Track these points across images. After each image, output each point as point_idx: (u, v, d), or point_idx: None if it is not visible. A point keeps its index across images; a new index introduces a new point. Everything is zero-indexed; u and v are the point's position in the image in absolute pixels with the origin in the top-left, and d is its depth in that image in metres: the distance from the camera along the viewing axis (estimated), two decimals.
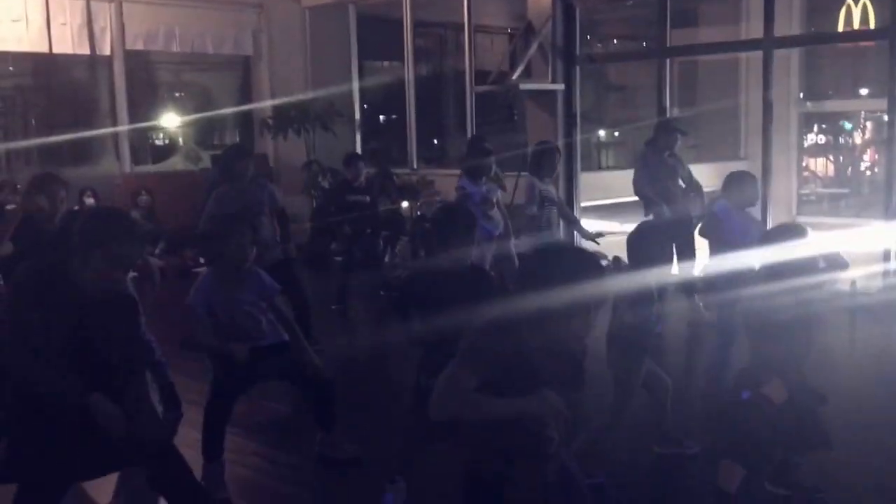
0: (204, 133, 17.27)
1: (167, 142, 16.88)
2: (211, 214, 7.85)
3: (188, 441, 5.11)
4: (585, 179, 12.98)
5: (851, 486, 5.17)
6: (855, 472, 5.33)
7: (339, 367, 7.33)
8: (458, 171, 12.64)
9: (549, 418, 3.45)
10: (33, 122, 15.31)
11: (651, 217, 9.19)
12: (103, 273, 3.88)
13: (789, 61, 14.73)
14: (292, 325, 5.74)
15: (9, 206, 12.83)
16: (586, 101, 13.21)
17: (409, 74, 15.25)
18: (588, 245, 9.20)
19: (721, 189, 7.16)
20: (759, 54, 11.50)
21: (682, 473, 5.54)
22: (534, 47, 12.52)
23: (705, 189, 9.92)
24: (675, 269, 8.60)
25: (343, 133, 15.50)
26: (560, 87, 12.60)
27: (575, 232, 10.29)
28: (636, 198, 9.85)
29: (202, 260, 11.80)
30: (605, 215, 13.74)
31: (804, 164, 16.44)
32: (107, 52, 15.06)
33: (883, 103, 10.70)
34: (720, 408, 4.94)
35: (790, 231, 4.99)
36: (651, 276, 5.27)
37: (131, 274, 5.35)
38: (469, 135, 13.74)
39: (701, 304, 9.06)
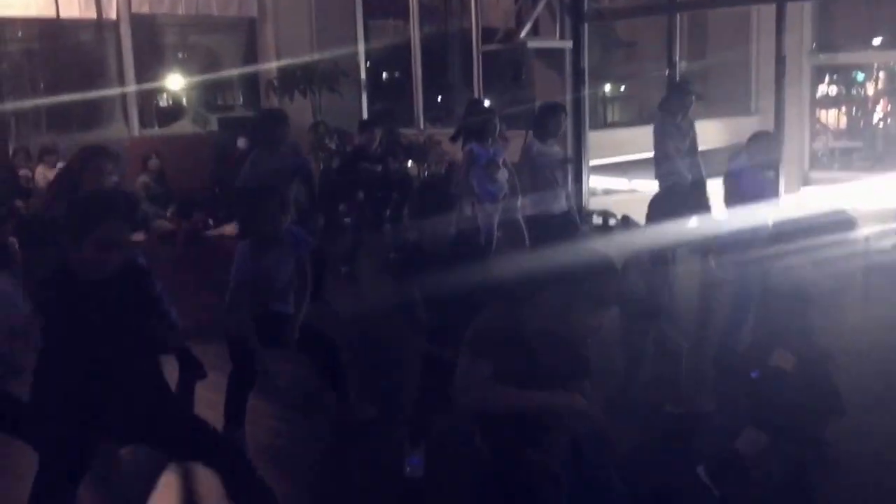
0: (210, 95, 17.20)
1: (171, 103, 16.80)
2: (246, 179, 7.90)
3: (210, 403, 5.14)
4: (592, 138, 12.86)
5: (867, 454, 5.08)
6: (870, 436, 5.26)
7: (351, 328, 7.34)
8: None
9: (571, 418, 3.43)
10: (42, 86, 15.25)
11: (671, 182, 9.01)
12: (100, 258, 3.85)
13: (802, 11, 14.53)
14: (306, 288, 5.72)
15: (22, 172, 12.86)
16: (593, 56, 13.06)
17: (415, 33, 15.14)
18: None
19: (744, 147, 7.08)
20: (770, 6, 11.34)
21: (695, 434, 5.51)
22: (541, 4, 12.41)
23: (716, 146, 9.85)
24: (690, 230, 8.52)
25: (349, 94, 15.42)
26: (568, 44, 12.49)
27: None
28: (644, 156, 9.76)
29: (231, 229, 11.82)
30: (613, 173, 13.69)
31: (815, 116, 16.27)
32: (113, 15, 15.04)
33: None
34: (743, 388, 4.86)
35: (839, 222, 4.74)
36: (668, 237, 5.23)
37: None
38: (476, 94, 13.67)
39: (715, 264, 8.99)
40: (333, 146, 14.08)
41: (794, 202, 12.43)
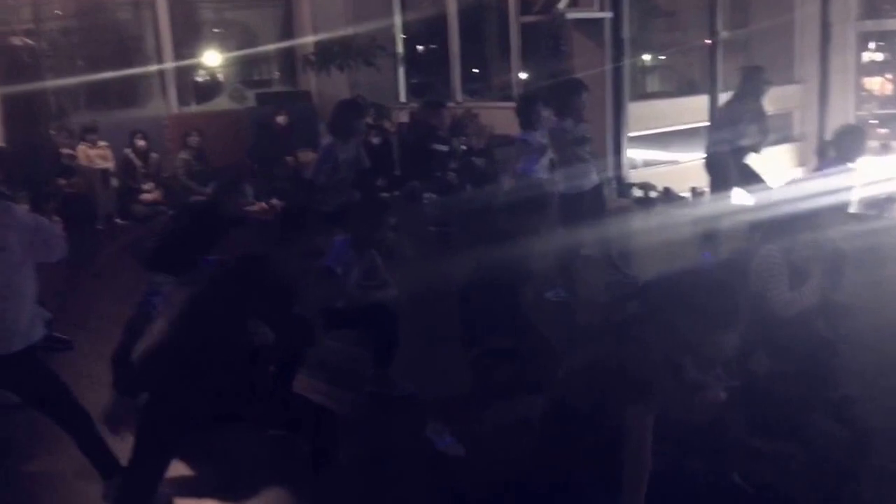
0: (247, 71, 17.20)
1: (208, 79, 16.81)
2: (319, 173, 7.95)
3: None
4: (631, 109, 12.71)
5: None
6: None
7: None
8: (502, 104, 12.59)
9: None
10: (81, 64, 15.31)
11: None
12: None
13: None
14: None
15: (64, 151, 12.94)
16: (633, 26, 12.90)
17: (452, 5, 15.04)
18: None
19: (833, 141, 6.98)
20: None
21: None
22: None
23: None
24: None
25: (386, 68, 15.37)
26: (608, 14, 12.33)
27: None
28: (685, 126, 9.64)
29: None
30: (654, 145, 13.55)
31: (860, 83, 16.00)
32: None
33: None
34: None
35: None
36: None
37: None
38: (513, 67, 13.57)
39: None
40: (371, 121, 14.04)
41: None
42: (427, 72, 16.88)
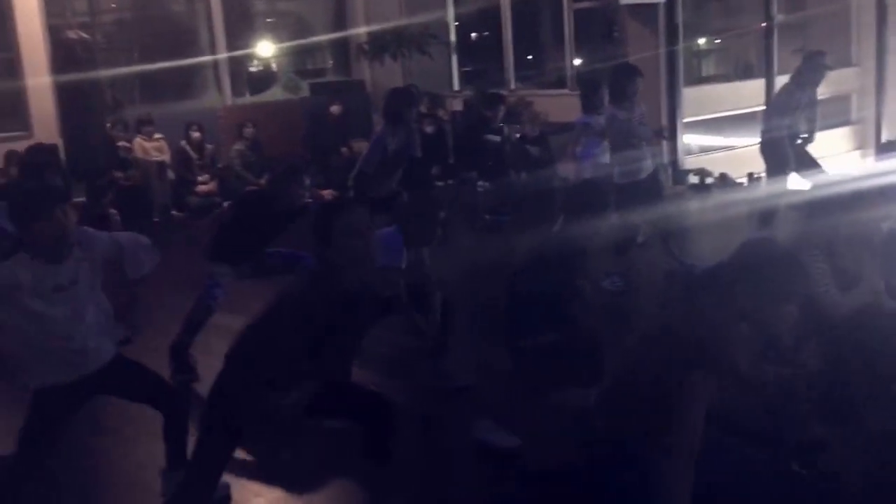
0: (300, 61, 17.27)
1: (262, 70, 16.90)
2: (370, 163, 8.07)
3: None
4: (686, 94, 12.58)
5: None
6: None
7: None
8: (556, 91, 12.54)
9: None
10: (136, 57, 15.47)
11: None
12: None
13: None
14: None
15: (120, 144, 13.09)
16: (687, 10, 12.75)
17: None
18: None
19: None
20: None
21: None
22: None
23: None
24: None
25: (439, 56, 15.36)
26: None
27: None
28: (741, 111, 9.53)
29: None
30: (709, 130, 13.39)
31: None
32: None
33: None
34: None
35: None
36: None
37: None
38: (567, 53, 13.49)
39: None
40: (425, 109, 14.04)
41: None
42: (480, 59, 16.83)
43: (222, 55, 15.54)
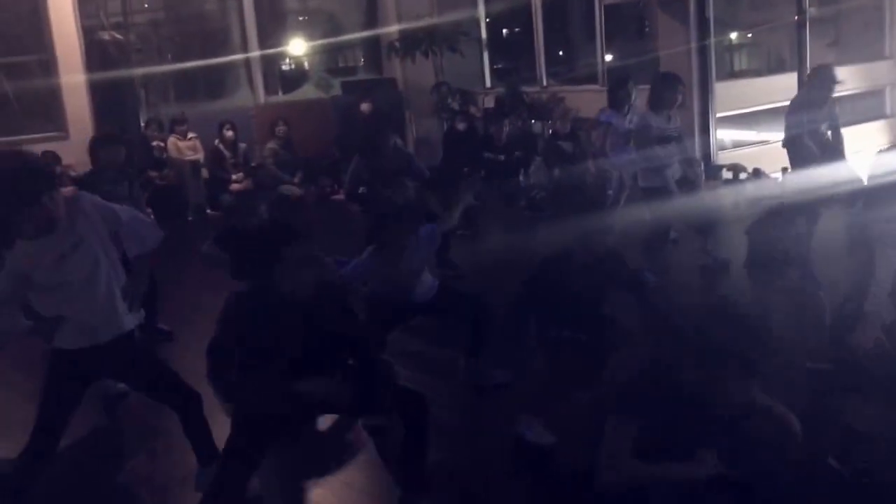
0: (332, 59, 17.33)
1: (294, 68, 16.97)
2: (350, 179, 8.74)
3: None
4: (718, 89, 12.51)
5: None
6: None
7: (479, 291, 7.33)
8: (587, 87, 12.49)
9: None
10: (169, 56, 15.59)
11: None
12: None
13: None
14: None
15: (154, 144, 13.20)
16: (718, 4, 12.67)
17: None
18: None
19: None
20: None
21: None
22: None
23: (850, 92, 9.43)
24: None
25: (470, 53, 15.36)
26: None
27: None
28: (774, 105, 9.44)
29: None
30: (742, 125, 13.30)
31: None
32: None
33: None
34: None
35: None
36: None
37: None
38: (598, 49, 13.45)
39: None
40: (456, 106, 14.06)
41: None
42: (512, 56, 16.82)
43: (255, 54, 15.62)
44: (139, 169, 12.14)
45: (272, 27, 16.21)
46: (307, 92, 16.27)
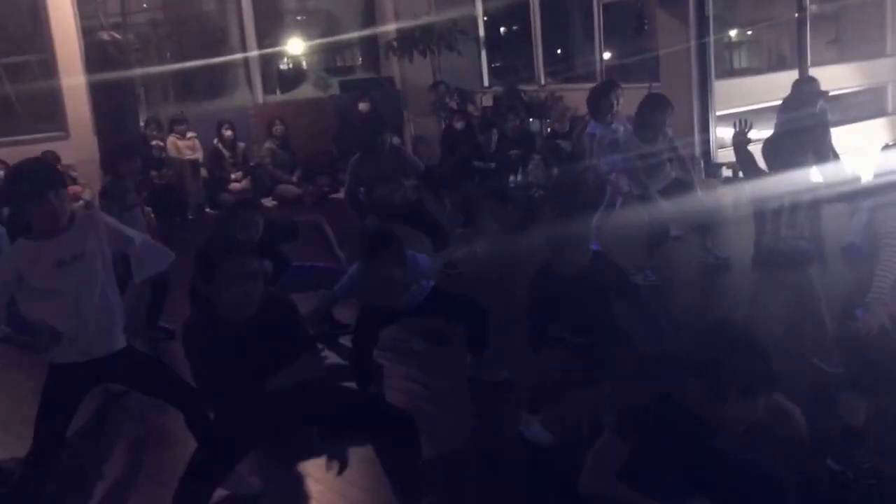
0: (330, 59, 17.31)
1: (292, 68, 16.95)
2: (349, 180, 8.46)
3: None
4: (718, 87, 12.48)
5: None
6: None
7: (478, 288, 7.33)
8: (586, 86, 12.47)
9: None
10: (168, 56, 15.58)
11: None
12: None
13: None
14: None
15: (154, 143, 13.19)
16: (718, 1, 12.65)
17: None
18: None
19: None
20: None
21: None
22: None
23: (851, 89, 9.41)
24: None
25: (468, 52, 15.35)
26: None
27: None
28: (775, 104, 9.41)
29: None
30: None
31: None
32: None
33: None
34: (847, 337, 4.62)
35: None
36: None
37: None
38: (597, 47, 13.44)
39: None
40: (454, 105, 14.05)
41: None
42: (509, 55, 16.82)
43: (253, 53, 15.63)
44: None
45: (270, 27, 16.20)
46: (305, 91, 16.28)
